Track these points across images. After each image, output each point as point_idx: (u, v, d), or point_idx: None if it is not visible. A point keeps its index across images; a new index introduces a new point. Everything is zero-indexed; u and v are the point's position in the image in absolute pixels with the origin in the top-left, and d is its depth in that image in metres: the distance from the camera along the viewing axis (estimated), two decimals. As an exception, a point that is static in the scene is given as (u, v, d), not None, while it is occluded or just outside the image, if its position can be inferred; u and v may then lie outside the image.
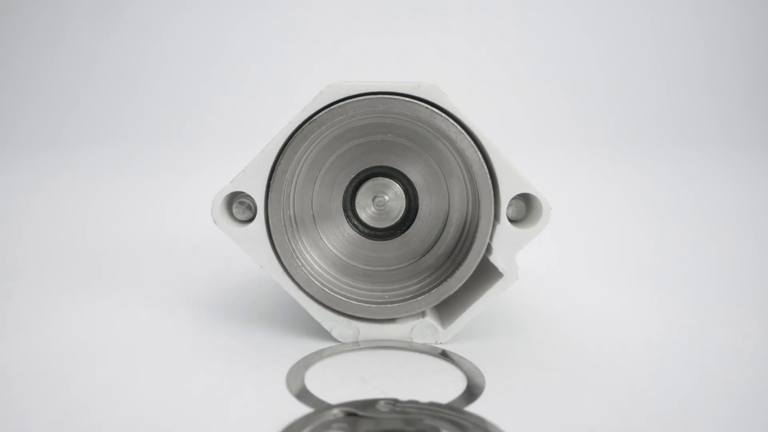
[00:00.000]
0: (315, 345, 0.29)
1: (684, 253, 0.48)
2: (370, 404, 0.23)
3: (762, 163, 0.91)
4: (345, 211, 0.31)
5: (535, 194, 0.28)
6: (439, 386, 0.25)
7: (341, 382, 0.26)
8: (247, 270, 0.39)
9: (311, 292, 0.29)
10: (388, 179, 0.31)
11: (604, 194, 0.73)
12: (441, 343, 0.29)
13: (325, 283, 0.29)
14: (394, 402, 0.23)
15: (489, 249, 0.29)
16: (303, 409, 0.23)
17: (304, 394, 0.25)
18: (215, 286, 0.38)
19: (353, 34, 1.10)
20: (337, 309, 0.29)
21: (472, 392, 0.25)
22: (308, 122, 0.27)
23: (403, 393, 0.24)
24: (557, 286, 0.39)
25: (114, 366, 0.27)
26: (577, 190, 0.74)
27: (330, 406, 0.23)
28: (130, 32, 1.12)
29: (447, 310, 0.30)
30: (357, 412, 0.23)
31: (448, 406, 0.23)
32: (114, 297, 0.35)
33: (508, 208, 0.28)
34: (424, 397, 0.24)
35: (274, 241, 0.28)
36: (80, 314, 0.33)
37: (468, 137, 0.27)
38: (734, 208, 0.65)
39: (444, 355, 0.28)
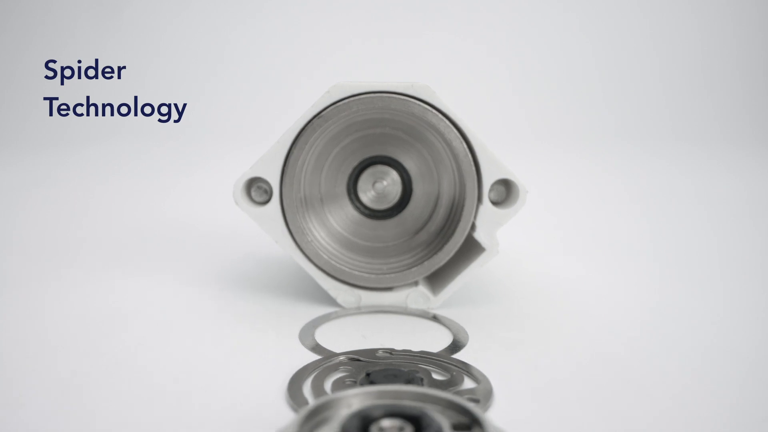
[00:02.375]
0: (322, 310, 0.33)
1: (676, 242, 0.51)
2: (371, 352, 0.28)
3: (756, 158, 0.94)
4: (348, 194, 0.36)
5: (513, 179, 0.32)
6: (429, 340, 0.30)
7: (345, 338, 0.30)
8: (262, 248, 0.43)
9: (319, 264, 0.33)
10: (386, 167, 0.35)
11: (601, 189, 0.75)
12: (432, 308, 0.34)
13: (332, 256, 0.34)
14: (391, 350, 0.28)
15: (473, 227, 0.33)
16: (314, 357, 0.28)
17: (315, 347, 0.29)
18: (234, 263, 0.42)
19: (352, 35, 1.13)
20: (342, 279, 0.34)
21: (456, 345, 0.29)
22: (317, 117, 0.32)
23: (399, 345, 0.29)
24: (544, 266, 0.43)
25: (152, 325, 0.32)
26: (575, 184, 0.77)
27: (336, 354, 0.28)
28: (132, 32, 1.15)
29: (437, 280, 0.35)
30: (359, 358, 0.27)
31: (436, 354, 0.28)
32: (143, 272, 0.40)
33: (489, 191, 0.33)
34: (416, 348, 0.28)
35: (288, 220, 0.33)
36: (117, 286, 0.37)
37: (455, 130, 0.32)
38: (730, 202, 0.67)
39: (435, 318, 0.33)
